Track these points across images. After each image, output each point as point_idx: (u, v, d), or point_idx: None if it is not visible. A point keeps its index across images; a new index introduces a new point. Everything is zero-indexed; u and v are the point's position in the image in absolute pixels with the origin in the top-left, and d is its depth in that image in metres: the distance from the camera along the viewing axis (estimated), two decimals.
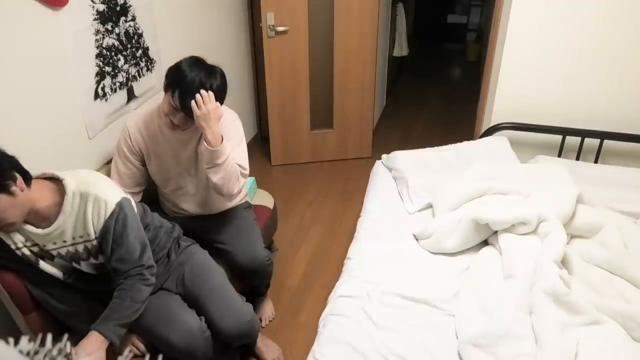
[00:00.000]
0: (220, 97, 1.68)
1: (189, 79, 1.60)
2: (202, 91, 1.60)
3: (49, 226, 1.39)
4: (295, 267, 2.57)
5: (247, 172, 1.81)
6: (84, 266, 1.50)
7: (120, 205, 1.43)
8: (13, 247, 1.40)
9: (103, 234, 1.43)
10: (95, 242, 1.45)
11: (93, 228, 1.42)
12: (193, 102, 1.60)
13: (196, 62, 1.66)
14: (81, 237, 1.43)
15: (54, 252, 1.44)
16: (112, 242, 1.43)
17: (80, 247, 1.45)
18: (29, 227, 1.38)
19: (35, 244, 1.42)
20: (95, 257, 1.49)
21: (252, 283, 2.05)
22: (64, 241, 1.43)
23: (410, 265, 1.74)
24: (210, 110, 1.60)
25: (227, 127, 1.75)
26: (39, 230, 1.39)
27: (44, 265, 1.45)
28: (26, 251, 1.42)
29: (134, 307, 1.46)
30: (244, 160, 1.81)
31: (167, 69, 1.67)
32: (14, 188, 1.27)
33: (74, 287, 1.53)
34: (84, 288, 1.56)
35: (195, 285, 1.68)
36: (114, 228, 1.42)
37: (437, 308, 1.55)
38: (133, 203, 1.53)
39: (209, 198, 1.94)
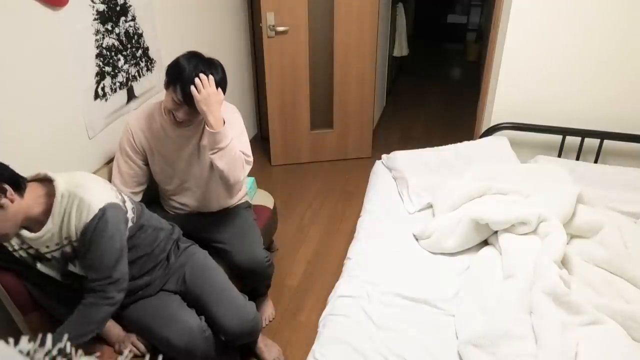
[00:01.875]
0: (222, 88, 1.69)
1: (189, 71, 1.62)
2: (202, 75, 1.62)
3: (40, 229, 1.38)
4: (295, 267, 2.57)
5: (251, 159, 1.81)
6: (78, 267, 1.49)
7: (104, 211, 1.38)
8: (10, 249, 1.40)
9: (82, 237, 1.39)
10: (76, 244, 1.41)
11: (75, 230, 1.38)
12: (193, 87, 1.61)
13: (194, 55, 1.68)
14: (66, 238, 1.41)
15: (49, 255, 1.43)
16: (87, 245, 1.38)
17: (68, 248, 1.43)
18: (23, 232, 1.37)
19: (31, 247, 1.42)
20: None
21: (251, 284, 2.05)
22: (57, 244, 1.41)
23: (410, 265, 1.74)
24: (210, 93, 1.62)
25: (227, 117, 1.75)
26: (32, 235, 1.38)
27: (41, 267, 1.45)
28: (23, 253, 1.42)
29: (87, 328, 1.40)
30: (247, 149, 1.81)
31: (166, 67, 1.69)
32: (3, 200, 1.26)
33: (72, 288, 1.53)
34: (82, 289, 1.55)
35: (197, 285, 1.68)
36: (92, 233, 1.37)
37: (437, 308, 1.55)
38: (128, 205, 1.50)
39: (211, 193, 1.95)
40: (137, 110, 1.90)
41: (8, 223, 1.29)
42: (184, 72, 1.62)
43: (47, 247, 1.41)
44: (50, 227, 1.37)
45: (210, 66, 1.66)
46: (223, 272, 1.79)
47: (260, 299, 2.21)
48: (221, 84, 1.69)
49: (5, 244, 1.39)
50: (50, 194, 1.38)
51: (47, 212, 1.37)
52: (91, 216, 1.36)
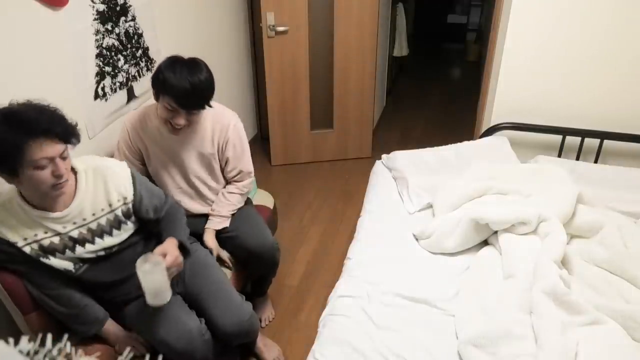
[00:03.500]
0: (210, 88, 1.69)
1: (177, 80, 1.61)
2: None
3: (65, 208, 1.41)
4: (295, 267, 2.57)
5: (252, 173, 2.00)
6: (107, 241, 1.51)
7: (131, 170, 1.57)
8: (21, 244, 1.37)
9: (138, 199, 1.55)
10: (119, 211, 1.51)
11: (116, 194, 1.49)
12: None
13: (175, 61, 1.66)
14: (102, 210, 1.47)
15: (75, 233, 1.44)
16: (143, 198, 1.56)
17: (103, 220, 1.48)
18: (47, 214, 1.38)
19: (56, 234, 1.41)
20: (118, 227, 1.52)
21: (258, 270, 2.03)
22: (84, 219, 1.45)
23: (410, 265, 1.74)
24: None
25: (232, 140, 1.86)
26: (57, 214, 1.39)
27: (53, 260, 1.43)
28: (35, 246, 1.39)
29: (184, 220, 1.68)
30: (249, 165, 1.96)
31: (151, 79, 1.68)
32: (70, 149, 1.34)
33: (75, 287, 1.52)
34: (91, 280, 1.54)
35: (196, 284, 1.69)
36: (140, 192, 1.55)
37: (437, 308, 1.55)
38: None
39: (208, 197, 1.95)
40: (135, 110, 1.90)
41: (45, 186, 1.31)
42: (171, 81, 1.61)
43: (74, 223, 1.43)
44: (80, 202, 1.43)
45: (194, 69, 1.65)
46: (223, 271, 1.79)
47: (259, 299, 2.21)
48: (209, 82, 1.69)
49: (15, 239, 1.37)
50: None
51: (69, 188, 1.41)
52: (131, 178, 1.54)
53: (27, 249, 1.39)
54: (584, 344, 1.32)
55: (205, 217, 1.97)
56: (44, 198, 1.36)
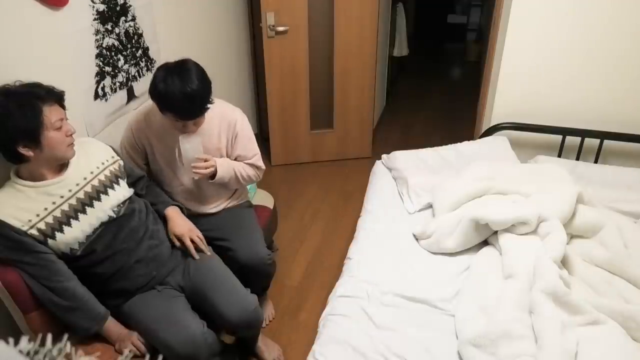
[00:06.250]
0: (206, 93, 1.68)
1: (172, 97, 1.61)
2: (198, 168, 1.75)
3: (60, 173, 1.49)
4: (295, 267, 2.58)
5: (262, 167, 1.98)
6: (112, 197, 1.56)
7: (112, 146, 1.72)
8: (25, 227, 1.38)
9: (124, 159, 1.72)
10: (113, 167, 1.63)
11: (106, 156, 1.63)
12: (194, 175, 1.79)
13: (167, 73, 1.63)
14: (98, 167, 1.58)
15: (81, 194, 1.50)
16: (125, 161, 1.73)
17: (102, 177, 1.57)
18: (51, 181, 1.45)
19: (64, 201, 1.45)
20: (117, 181, 1.61)
21: (252, 282, 2.04)
22: (84, 178, 1.53)
23: (410, 265, 1.74)
24: (208, 167, 1.78)
25: (240, 134, 1.88)
26: (60, 177, 1.47)
27: (67, 232, 1.45)
28: (42, 225, 1.41)
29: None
30: (256, 154, 1.95)
31: (148, 93, 1.67)
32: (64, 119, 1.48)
33: (78, 282, 1.52)
34: (104, 253, 1.55)
35: (200, 277, 1.70)
36: (121, 156, 1.72)
37: (437, 308, 1.55)
38: None
39: (209, 196, 1.96)
40: (139, 109, 1.91)
41: (63, 146, 1.43)
42: (166, 97, 1.61)
43: (77, 184, 1.51)
44: (74, 166, 1.52)
45: (186, 80, 1.61)
46: (225, 266, 1.80)
47: (259, 299, 2.21)
48: (201, 89, 1.65)
49: (20, 224, 1.38)
50: None
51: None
52: (109, 145, 1.70)
53: (34, 232, 1.40)
54: (584, 344, 1.32)
55: (205, 216, 1.97)
56: (59, 161, 1.46)
